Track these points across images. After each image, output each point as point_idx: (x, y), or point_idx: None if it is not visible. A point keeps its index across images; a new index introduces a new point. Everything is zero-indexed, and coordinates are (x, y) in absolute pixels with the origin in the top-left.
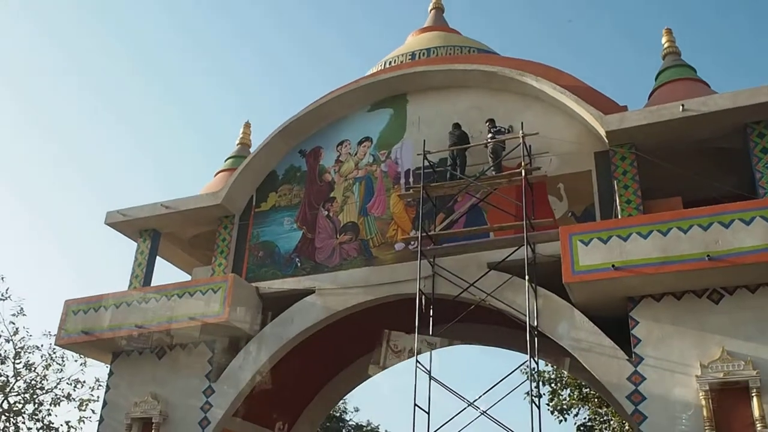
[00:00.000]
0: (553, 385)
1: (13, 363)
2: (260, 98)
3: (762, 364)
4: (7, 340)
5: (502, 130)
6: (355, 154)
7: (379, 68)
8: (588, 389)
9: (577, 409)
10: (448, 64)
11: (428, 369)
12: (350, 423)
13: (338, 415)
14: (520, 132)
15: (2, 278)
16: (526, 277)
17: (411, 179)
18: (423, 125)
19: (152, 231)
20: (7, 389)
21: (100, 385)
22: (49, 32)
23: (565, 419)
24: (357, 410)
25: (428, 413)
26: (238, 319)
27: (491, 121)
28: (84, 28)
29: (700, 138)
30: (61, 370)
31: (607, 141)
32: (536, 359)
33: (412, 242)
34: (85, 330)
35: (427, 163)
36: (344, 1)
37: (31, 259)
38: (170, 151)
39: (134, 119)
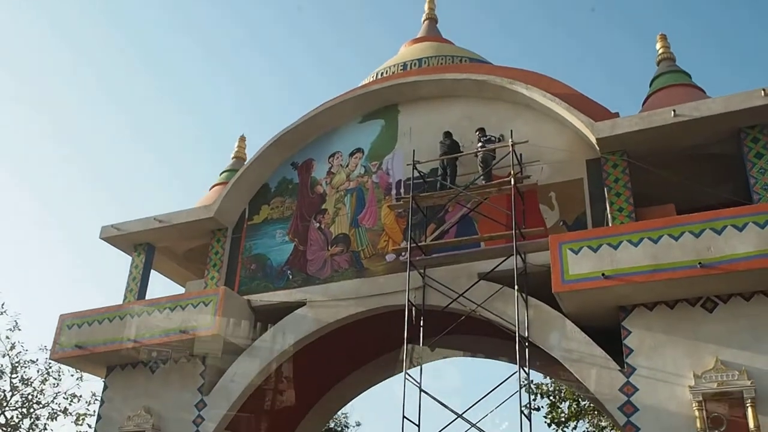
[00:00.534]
0: (551, 397)
1: (10, 378)
2: (271, 108)
3: (757, 373)
4: (3, 355)
5: (492, 138)
6: (347, 166)
7: (372, 79)
8: (585, 402)
9: (575, 422)
10: (438, 74)
11: (419, 381)
12: None
13: (339, 430)
14: (510, 140)
15: None
16: (515, 287)
17: (402, 190)
18: (414, 136)
19: (146, 245)
20: (4, 404)
21: (96, 400)
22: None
23: None
24: (359, 424)
25: (418, 426)
26: (229, 332)
27: (481, 130)
28: (92, 25)
29: (694, 144)
30: (57, 384)
31: (598, 148)
32: (527, 370)
33: (403, 253)
34: (78, 344)
35: (417, 174)
36: (358, 13)
37: (27, 274)
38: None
39: (138, 131)
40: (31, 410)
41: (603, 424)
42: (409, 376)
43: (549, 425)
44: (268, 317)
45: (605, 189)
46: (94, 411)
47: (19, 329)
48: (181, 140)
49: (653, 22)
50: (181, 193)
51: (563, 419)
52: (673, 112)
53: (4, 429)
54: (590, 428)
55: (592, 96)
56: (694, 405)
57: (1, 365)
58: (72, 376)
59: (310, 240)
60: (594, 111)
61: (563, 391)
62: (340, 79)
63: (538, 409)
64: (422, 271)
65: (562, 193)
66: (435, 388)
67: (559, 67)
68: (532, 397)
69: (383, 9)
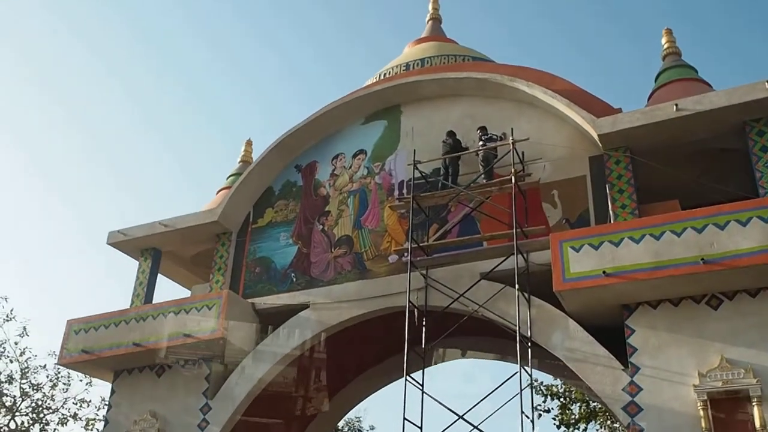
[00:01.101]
0: (562, 399)
1: (20, 383)
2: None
3: (763, 371)
4: (11, 361)
5: (494, 137)
6: (350, 167)
7: (375, 80)
8: (596, 403)
9: (585, 425)
10: (439, 73)
11: (423, 382)
12: None
13: None
14: (510, 138)
15: (6, 299)
16: (516, 286)
17: (404, 191)
18: (417, 136)
19: (153, 250)
20: (15, 409)
21: (105, 405)
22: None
23: None
24: (373, 429)
25: (420, 428)
26: (232, 335)
27: (483, 128)
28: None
29: (698, 138)
30: (67, 389)
31: (600, 145)
32: (530, 370)
33: (405, 254)
34: (85, 349)
35: (419, 174)
36: (370, 17)
37: (37, 279)
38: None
39: (154, 132)
40: (41, 415)
41: (616, 425)
42: (411, 378)
43: (558, 427)
44: (272, 320)
45: (607, 186)
46: (104, 416)
47: (28, 335)
48: (199, 145)
49: (662, 19)
50: (198, 196)
51: (573, 421)
52: (675, 107)
53: None
54: (602, 430)
55: (600, 94)
56: (698, 404)
57: (11, 371)
58: (81, 381)
59: (314, 242)
60: (596, 107)
61: (573, 393)
62: (354, 83)
63: (548, 411)
64: (424, 271)
65: (564, 190)
66: (442, 390)
67: (565, 66)
68: (542, 398)
69: (395, 11)
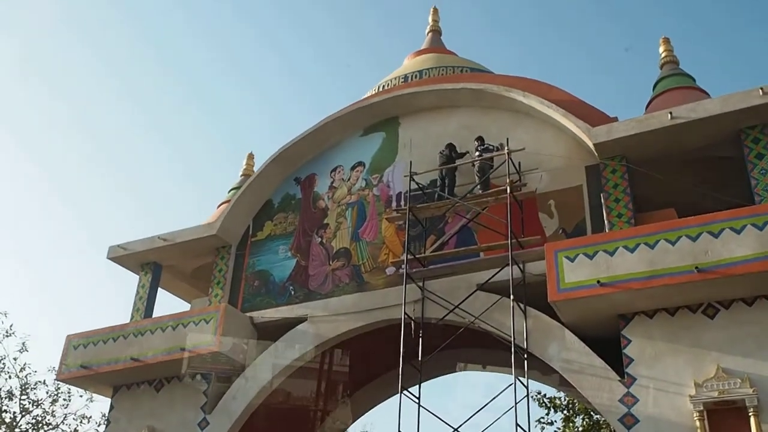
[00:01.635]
0: (565, 411)
1: (19, 399)
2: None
3: (760, 381)
4: (10, 377)
5: (490, 147)
6: (348, 180)
7: (374, 92)
8: (599, 415)
9: None
10: (436, 84)
11: (418, 396)
12: None
13: None
14: (506, 148)
15: (5, 314)
16: (511, 297)
17: (402, 202)
18: (415, 147)
19: (153, 264)
20: (14, 425)
21: (106, 421)
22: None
23: None
24: None
25: None
26: (229, 349)
27: (480, 139)
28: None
29: (694, 146)
30: (67, 405)
31: (596, 154)
32: (526, 382)
33: (402, 266)
34: (84, 364)
35: (416, 185)
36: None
37: (39, 294)
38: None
39: (160, 140)
40: (41, 431)
41: None
42: (408, 392)
43: None
44: (271, 334)
45: (601, 195)
46: None
47: (27, 350)
48: (204, 149)
49: (664, 27)
50: (203, 201)
51: None
52: (669, 115)
53: None
54: None
55: (601, 104)
56: (694, 415)
57: (11, 387)
58: (81, 396)
59: (312, 255)
60: (592, 116)
61: (577, 405)
62: (360, 86)
63: (551, 423)
64: (421, 283)
65: (561, 200)
66: (443, 403)
67: (568, 76)
68: (545, 411)
69: (400, 13)
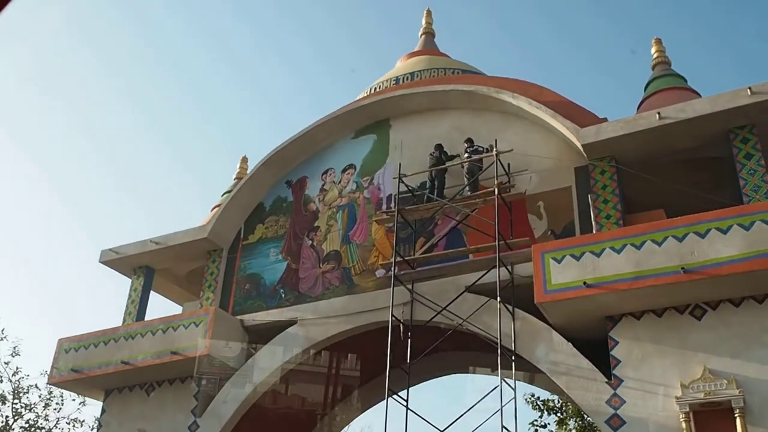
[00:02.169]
0: (559, 414)
1: (12, 403)
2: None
3: (746, 382)
4: (1, 380)
5: (479, 149)
6: (339, 182)
7: (366, 94)
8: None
9: None
10: (426, 86)
11: (406, 399)
12: None
13: None
14: (494, 150)
15: None
16: (498, 298)
17: (392, 204)
18: (405, 149)
19: (145, 268)
20: (7, 429)
21: (98, 424)
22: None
23: None
24: None
25: None
26: (219, 353)
27: (469, 140)
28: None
29: (683, 147)
30: (60, 409)
31: (585, 155)
32: (513, 384)
33: (390, 268)
34: (74, 368)
35: (405, 187)
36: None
37: (30, 299)
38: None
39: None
40: None
41: None
42: (396, 395)
43: None
44: (262, 337)
45: (588, 196)
46: None
47: (19, 354)
48: (205, 151)
49: (664, 27)
50: (203, 201)
51: None
52: (657, 115)
53: None
54: None
55: (601, 104)
56: (680, 416)
57: (3, 391)
58: (74, 400)
59: (303, 258)
60: (582, 117)
61: (570, 408)
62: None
63: (545, 426)
64: (410, 285)
65: (550, 202)
66: (435, 406)
67: (568, 76)
68: (539, 414)
69: (407, 22)
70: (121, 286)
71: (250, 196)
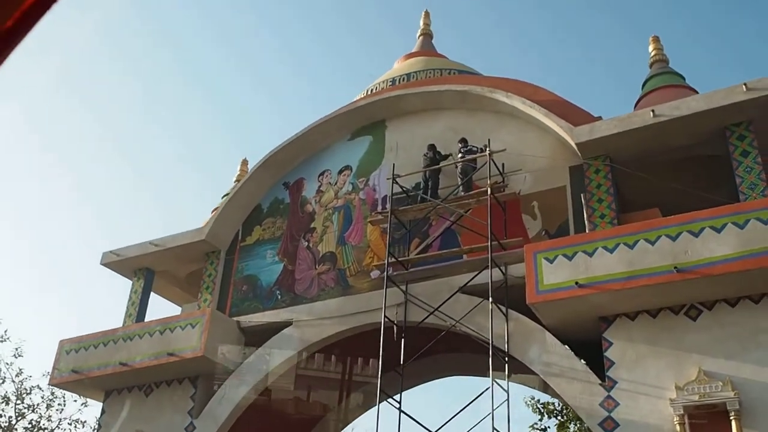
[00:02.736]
0: (559, 417)
1: (15, 404)
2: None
3: (742, 384)
4: (3, 381)
5: (473, 149)
6: (336, 183)
7: (362, 95)
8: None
9: None
10: (420, 87)
11: (398, 401)
12: None
13: None
14: (488, 150)
15: None
16: (490, 299)
17: (387, 205)
18: (401, 150)
19: (145, 269)
20: (10, 430)
21: (98, 425)
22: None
23: None
24: None
25: None
26: (215, 354)
27: (463, 140)
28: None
29: (678, 145)
30: (62, 410)
31: (579, 154)
32: (506, 385)
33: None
34: (75, 369)
35: (400, 188)
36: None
37: (33, 300)
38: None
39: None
40: None
41: None
42: (390, 398)
43: None
44: (258, 338)
45: (582, 195)
46: None
47: (22, 355)
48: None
49: (664, 27)
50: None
51: None
52: (652, 113)
53: None
54: None
55: (601, 105)
56: (675, 419)
57: (6, 392)
58: (75, 401)
59: (299, 259)
60: (576, 116)
61: (571, 411)
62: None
63: (545, 430)
64: (404, 286)
65: (545, 202)
66: (433, 408)
67: (567, 77)
68: (539, 416)
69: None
70: (125, 287)
71: (247, 198)
